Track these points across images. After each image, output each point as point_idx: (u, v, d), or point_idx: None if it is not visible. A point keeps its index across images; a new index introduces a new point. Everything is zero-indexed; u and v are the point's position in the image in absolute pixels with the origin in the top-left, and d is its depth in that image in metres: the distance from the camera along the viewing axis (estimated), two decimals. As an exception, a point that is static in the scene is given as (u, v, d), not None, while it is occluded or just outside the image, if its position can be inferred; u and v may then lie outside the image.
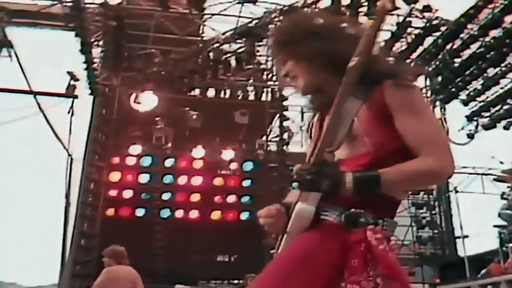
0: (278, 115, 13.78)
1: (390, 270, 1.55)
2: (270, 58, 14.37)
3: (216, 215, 12.53)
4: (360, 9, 9.84)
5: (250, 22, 11.47)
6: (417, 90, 1.82)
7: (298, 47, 1.87)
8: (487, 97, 12.91)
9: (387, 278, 1.54)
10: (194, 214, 12.43)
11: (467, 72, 12.20)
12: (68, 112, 9.99)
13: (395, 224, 1.78)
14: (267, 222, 1.90)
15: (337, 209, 1.69)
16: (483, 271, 7.16)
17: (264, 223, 1.91)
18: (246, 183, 12.77)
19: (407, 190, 1.65)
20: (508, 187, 7.67)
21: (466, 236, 8.48)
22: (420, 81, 13.70)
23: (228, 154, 12.75)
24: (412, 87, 1.78)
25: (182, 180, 12.54)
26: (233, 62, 12.06)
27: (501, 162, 7.83)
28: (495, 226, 7.43)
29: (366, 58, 1.61)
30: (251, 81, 14.12)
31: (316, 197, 1.71)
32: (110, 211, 12.08)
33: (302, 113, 14.63)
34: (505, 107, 12.90)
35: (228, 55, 12.06)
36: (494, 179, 8.85)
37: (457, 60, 12.05)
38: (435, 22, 11.21)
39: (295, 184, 1.76)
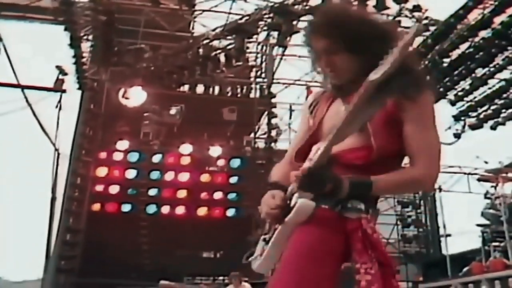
0: (266, 112, 13.79)
1: (383, 257, 1.67)
2: (259, 55, 14.38)
3: (202, 211, 12.53)
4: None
5: (240, 19, 11.46)
6: (430, 103, 1.85)
7: (360, 41, 1.81)
8: (474, 97, 12.97)
9: (381, 264, 1.66)
10: (180, 210, 12.42)
11: (456, 72, 12.26)
12: (56, 107, 9.90)
13: (378, 211, 1.87)
14: (269, 213, 1.82)
15: (331, 200, 1.74)
16: (464, 269, 7.22)
17: (266, 213, 1.84)
18: (233, 179, 12.78)
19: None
20: (492, 186, 7.73)
21: (449, 235, 8.55)
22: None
23: (215, 150, 12.74)
24: (425, 100, 1.81)
25: (169, 176, 12.53)
26: (222, 58, 12.03)
27: (486, 162, 7.90)
28: (478, 225, 7.50)
29: (387, 76, 1.57)
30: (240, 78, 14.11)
31: None
32: (96, 206, 12.05)
33: (291, 110, 14.66)
34: (493, 107, 12.97)
35: (218, 51, 12.03)
36: (478, 179, 8.91)
37: (446, 60, 12.10)
38: (424, 22, 11.25)
39: (295, 185, 1.74)
